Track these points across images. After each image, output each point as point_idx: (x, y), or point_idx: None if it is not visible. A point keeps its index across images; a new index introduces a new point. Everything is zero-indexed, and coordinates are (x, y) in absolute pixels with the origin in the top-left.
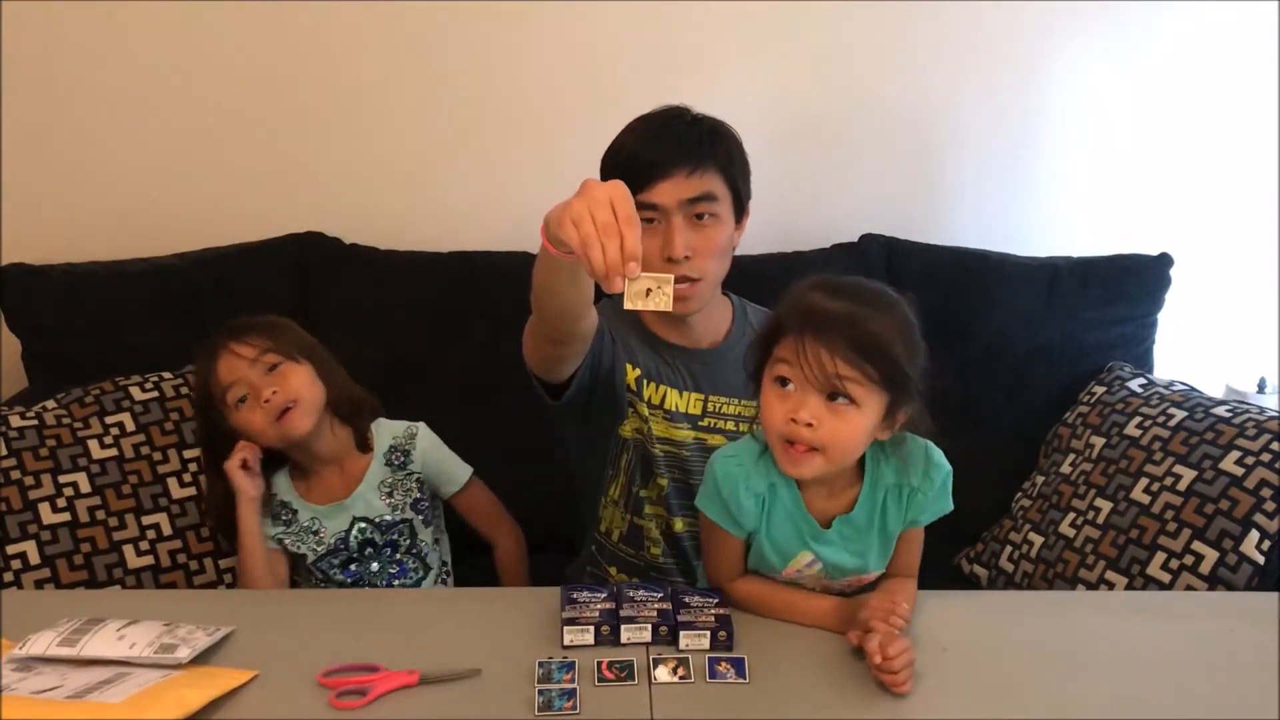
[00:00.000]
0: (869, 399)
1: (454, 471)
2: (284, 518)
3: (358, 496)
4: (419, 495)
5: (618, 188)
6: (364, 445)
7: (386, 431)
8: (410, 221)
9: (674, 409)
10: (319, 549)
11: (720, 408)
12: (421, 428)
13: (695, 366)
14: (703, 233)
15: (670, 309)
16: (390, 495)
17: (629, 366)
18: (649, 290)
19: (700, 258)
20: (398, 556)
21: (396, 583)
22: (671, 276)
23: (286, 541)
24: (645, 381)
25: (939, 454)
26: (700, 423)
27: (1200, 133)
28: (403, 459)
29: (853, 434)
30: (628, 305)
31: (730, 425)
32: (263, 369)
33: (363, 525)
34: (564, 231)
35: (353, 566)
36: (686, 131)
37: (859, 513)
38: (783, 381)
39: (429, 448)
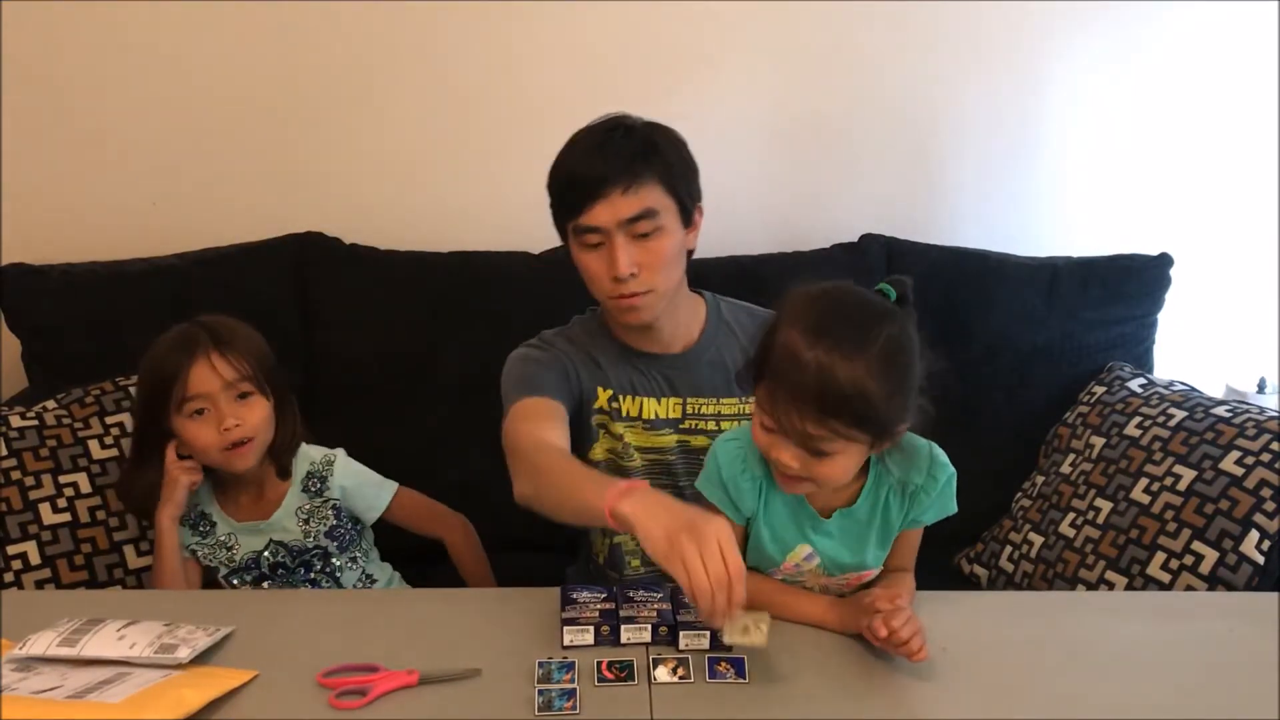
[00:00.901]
0: (846, 445)
1: (373, 498)
2: (201, 529)
3: (275, 521)
4: (335, 523)
5: (725, 531)
6: (284, 474)
7: (305, 458)
8: (410, 221)
9: (653, 417)
10: (229, 565)
11: (699, 409)
12: (339, 455)
13: (670, 372)
14: (646, 247)
15: (765, 644)
16: (306, 522)
17: (599, 389)
18: (746, 627)
19: (647, 271)
20: (310, 576)
21: None
22: (767, 614)
23: (200, 553)
24: (620, 397)
25: (943, 455)
26: (681, 425)
27: (1200, 133)
28: (319, 485)
29: (835, 472)
30: (727, 640)
31: (711, 425)
32: (234, 395)
33: (276, 547)
34: (673, 568)
35: (265, 585)
36: (621, 147)
37: (861, 506)
38: (766, 426)
39: (345, 476)
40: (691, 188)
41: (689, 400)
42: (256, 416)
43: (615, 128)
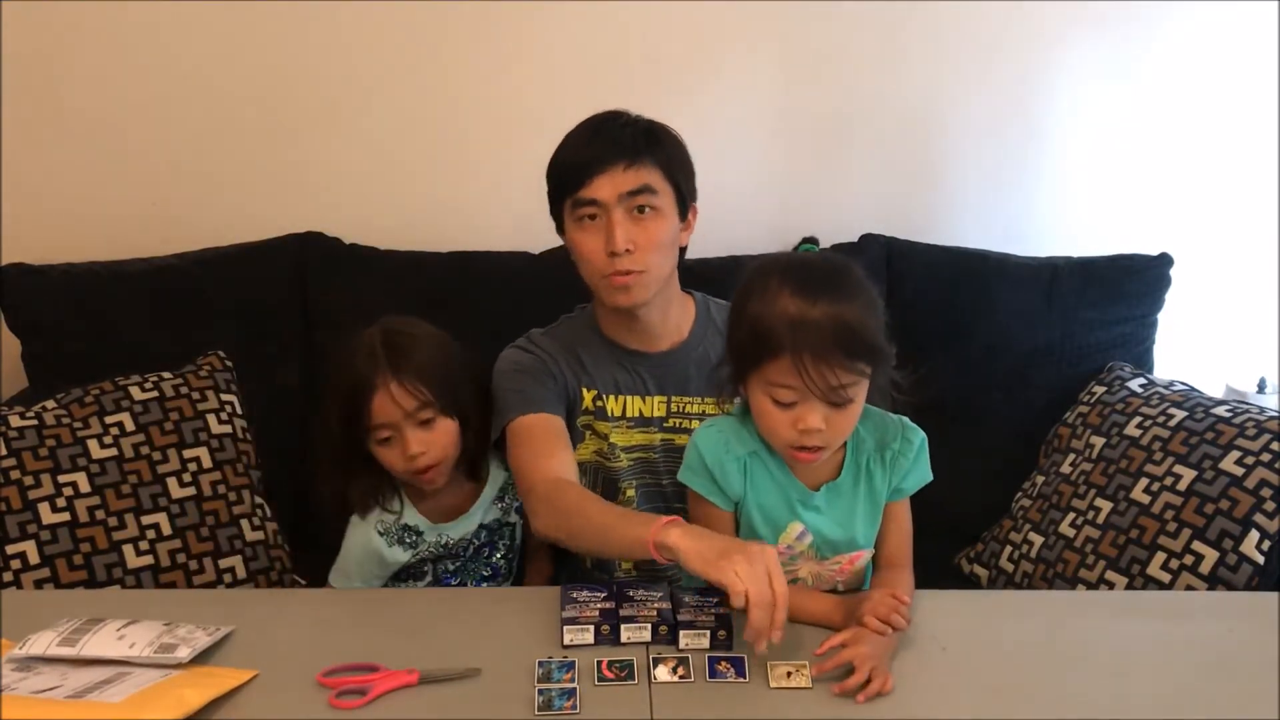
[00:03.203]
0: (861, 386)
1: None
2: (409, 540)
3: (477, 509)
4: (511, 540)
5: (773, 557)
6: (474, 476)
7: (500, 471)
8: (410, 221)
9: (638, 415)
10: (440, 552)
11: (684, 408)
12: None
13: (657, 370)
14: (644, 226)
15: (810, 687)
16: (502, 499)
17: (584, 390)
18: (790, 673)
19: (642, 251)
20: (495, 559)
21: (484, 584)
22: (806, 662)
23: (414, 560)
24: (605, 397)
25: (912, 423)
26: (666, 424)
27: (1200, 133)
28: (511, 502)
29: (851, 420)
30: (773, 684)
31: (696, 424)
32: (416, 422)
33: (482, 531)
34: (724, 575)
35: (451, 565)
36: (621, 130)
37: (845, 477)
38: (783, 400)
39: None
40: (689, 183)
41: (674, 399)
42: (442, 440)
43: (616, 115)
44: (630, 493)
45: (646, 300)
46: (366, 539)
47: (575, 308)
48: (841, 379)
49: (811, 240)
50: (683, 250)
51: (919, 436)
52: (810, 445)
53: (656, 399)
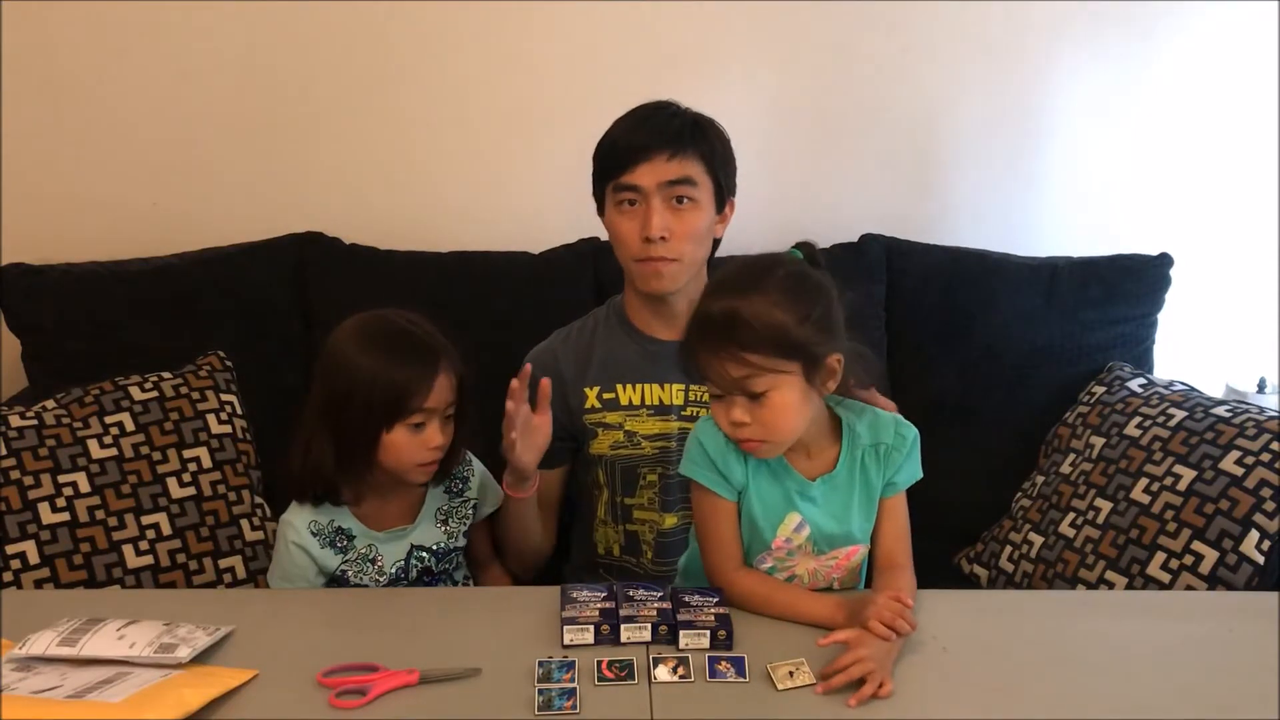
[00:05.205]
0: (780, 380)
1: (493, 496)
2: (339, 544)
3: (416, 525)
4: (472, 520)
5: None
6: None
7: None
8: (410, 221)
9: (656, 403)
10: (380, 579)
11: (701, 396)
12: (470, 454)
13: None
14: (680, 216)
15: (813, 683)
16: (446, 523)
17: (586, 390)
18: (791, 672)
19: (677, 240)
20: (456, 580)
21: None
22: (803, 659)
23: (350, 573)
24: (615, 387)
25: (905, 420)
26: (684, 412)
27: (1200, 133)
28: (461, 486)
29: (782, 415)
30: (780, 687)
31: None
32: (446, 415)
33: (421, 554)
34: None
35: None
36: (669, 121)
37: (840, 472)
38: (712, 394)
39: (482, 472)
40: (729, 177)
41: (691, 387)
42: (451, 438)
43: (665, 106)
44: (652, 477)
45: (677, 288)
46: (299, 536)
47: (600, 303)
48: (733, 372)
49: (802, 245)
50: (716, 241)
51: (912, 432)
52: (742, 438)
53: (675, 386)
